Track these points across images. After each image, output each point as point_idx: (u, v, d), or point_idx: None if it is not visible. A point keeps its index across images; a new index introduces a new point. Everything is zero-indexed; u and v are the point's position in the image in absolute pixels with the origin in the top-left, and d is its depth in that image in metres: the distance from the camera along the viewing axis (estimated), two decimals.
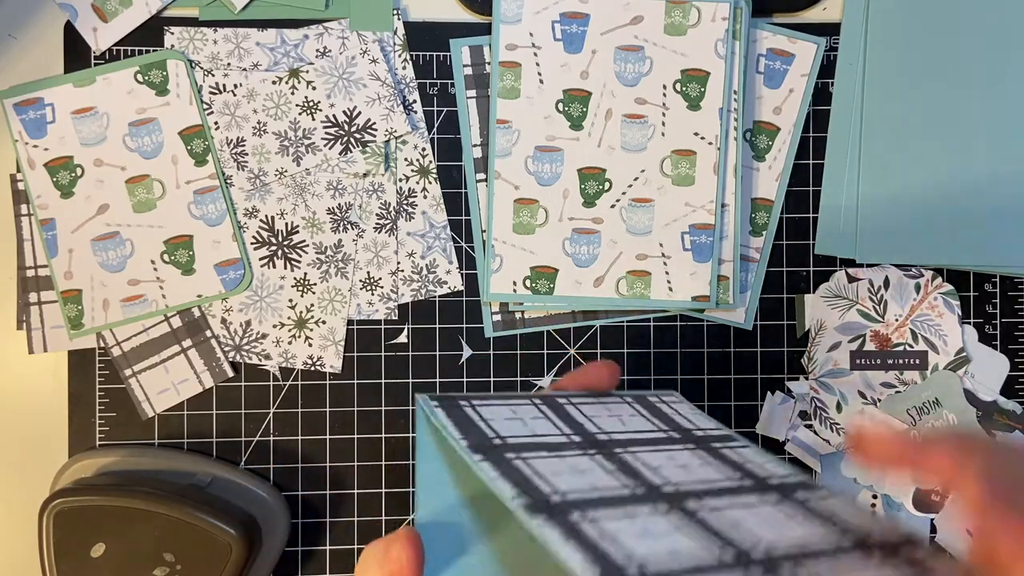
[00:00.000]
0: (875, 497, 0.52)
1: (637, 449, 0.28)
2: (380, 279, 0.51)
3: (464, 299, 0.52)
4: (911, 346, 0.52)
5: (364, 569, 0.26)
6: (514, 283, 0.51)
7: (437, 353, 0.51)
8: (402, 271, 0.51)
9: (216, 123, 0.50)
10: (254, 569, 0.47)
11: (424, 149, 0.51)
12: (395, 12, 0.51)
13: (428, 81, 0.51)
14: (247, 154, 0.50)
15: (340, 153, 0.50)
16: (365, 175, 0.51)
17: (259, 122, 0.50)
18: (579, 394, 0.32)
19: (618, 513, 0.24)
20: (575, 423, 0.29)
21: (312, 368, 0.51)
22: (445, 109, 0.52)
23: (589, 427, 0.29)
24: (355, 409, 0.51)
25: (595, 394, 0.32)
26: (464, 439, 0.27)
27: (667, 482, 0.26)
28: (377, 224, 0.51)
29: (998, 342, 0.53)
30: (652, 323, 0.52)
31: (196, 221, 0.50)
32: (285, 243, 0.51)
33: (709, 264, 0.51)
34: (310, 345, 0.50)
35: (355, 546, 0.51)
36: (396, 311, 0.51)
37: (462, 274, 0.52)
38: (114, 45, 0.50)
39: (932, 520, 0.52)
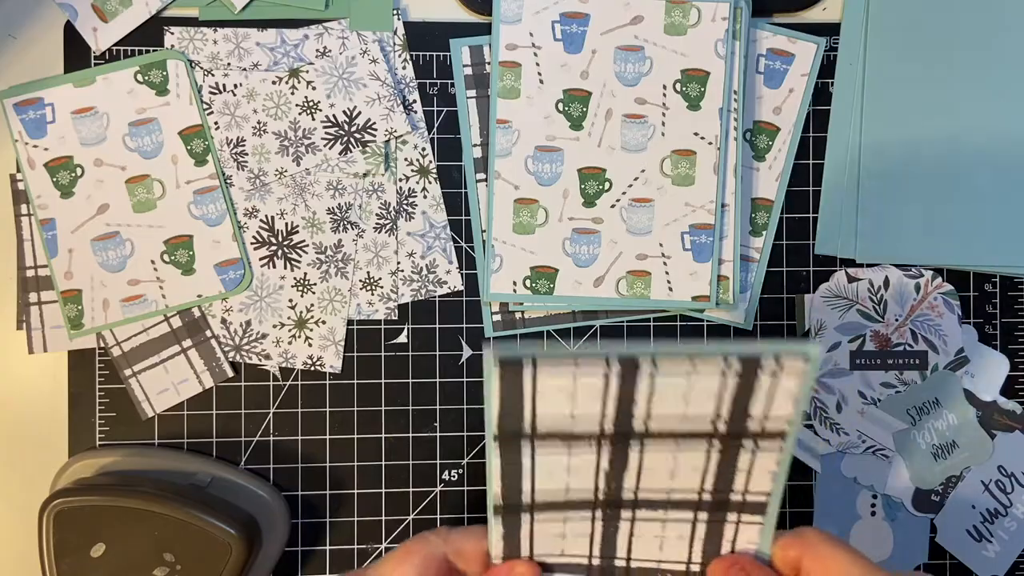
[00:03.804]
0: (875, 497, 0.52)
1: (651, 446, 0.30)
2: (380, 279, 0.51)
3: (464, 299, 0.52)
4: (911, 346, 0.52)
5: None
6: (514, 283, 0.51)
7: (437, 353, 0.51)
8: (402, 271, 0.51)
9: (216, 123, 0.50)
10: (254, 569, 0.47)
11: (424, 149, 0.51)
12: (395, 12, 0.51)
13: (428, 81, 0.51)
14: (247, 154, 0.50)
15: (340, 153, 0.50)
16: (365, 175, 0.51)
17: (259, 122, 0.50)
18: (667, 350, 0.29)
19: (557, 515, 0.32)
20: (625, 413, 0.29)
21: (312, 368, 0.51)
22: (445, 109, 0.52)
23: (634, 424, 0.29)
24: (355, 409, 0.51)
25: (691, 352, 0.29)
26: (496, 422, 0.29)
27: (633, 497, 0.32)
28: (377, 224, 0.51)
29: (998, 342, 0.53)
30: (652, 323, 0.52)
31: (196, 221, 0.50)
32: (285, 243, 0.51)
33: (709, 264, 0.51)
34: (310, 345, 0.50)
35: (355, 546, 0.51)
36: (396, 311, 0.51)
37: (462, 274, 0.52)
38: (114, 45, 0.50)
39: (932, 520, 0.52)
